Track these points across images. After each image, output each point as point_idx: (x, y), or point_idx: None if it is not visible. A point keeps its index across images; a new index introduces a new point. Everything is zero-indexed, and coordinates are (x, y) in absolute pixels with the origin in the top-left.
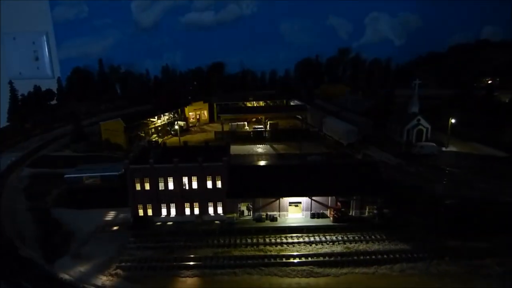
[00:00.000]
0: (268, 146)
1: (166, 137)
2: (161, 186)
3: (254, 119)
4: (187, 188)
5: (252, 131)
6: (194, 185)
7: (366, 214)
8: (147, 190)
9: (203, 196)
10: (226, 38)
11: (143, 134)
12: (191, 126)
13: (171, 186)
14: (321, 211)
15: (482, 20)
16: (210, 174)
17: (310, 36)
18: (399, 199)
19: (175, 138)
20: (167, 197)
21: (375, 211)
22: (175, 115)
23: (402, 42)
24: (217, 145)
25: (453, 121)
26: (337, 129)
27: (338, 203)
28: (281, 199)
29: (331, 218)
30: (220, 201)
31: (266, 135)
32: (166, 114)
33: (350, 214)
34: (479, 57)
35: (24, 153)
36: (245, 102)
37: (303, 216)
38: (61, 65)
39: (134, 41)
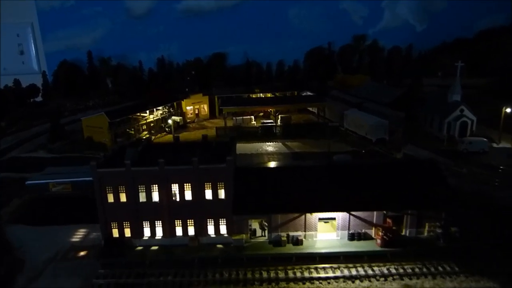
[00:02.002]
0: (280, 143)
1: (159, 135)
2: (142, 197)
3: (261, 113)
4: (177, 199)
5: (260, 126)
6: (188, 195)
7: (425, 234)
8: (123, 202)
9: (200, 211)
10: (227, 26)
11: (132, 131)
12: (189, 122)
13: (156, 197)
14: (363, 231)
15: None
16: (209, 181)
17: (321, 22)
18: (468, 213)
19: (170, 136)
20: (151, 213)
21: (438, 230)
22: (171, 109)
23: (424, 27)
24: (219, 141)
25: (508, 110)
26: (363, 123)
27: (388, 220)
28: (308, 214)
29: (378, 240)
30: (223, 218)
31: (277, 131)
32: (160, 108)
33: (403, 233)
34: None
35: None
36: (251, 95)
37: (339, 238)
38: (48, 58)
39: (126, 30)
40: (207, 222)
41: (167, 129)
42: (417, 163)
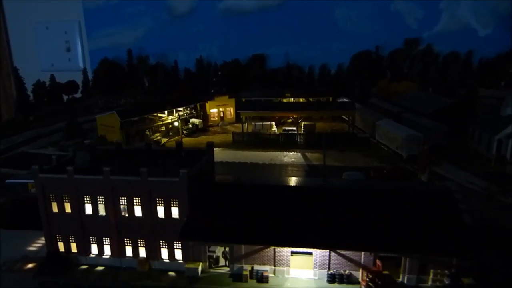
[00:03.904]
0: (299, 154)
1: (177, 137)
2: (88, 209)
3: (290, 120)
4: (126, 215)
5: (281, 133)
6: (137, 211)
7: (429, 282)
8: (68, 213)
9: (151, 231)
10: (269, 27)
11: (148, 132)
12: (211, 125)
13: (102, 210)
14: (346, 272)
15: None
16: (161, 196)
17: (370, 23)
18: (495, 261)
19: (187, 139)
20: (98, 228)
21: (446, 280)
22: (193, 111)
23: (488, 31)
24: (194, 148)
25: None
26: (394, 136)
27: (378, 262)
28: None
29: (364, 287)
30: (178, 241)
31: (299, 139)
32: (181, 109)
33: (400, 280)
34: None
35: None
36: (281, 99)
37: (316, 277)
38: (91, 56)
39: (168, 29)
40: (160, 244)
41: (184, 132)
42: (429, 191)
